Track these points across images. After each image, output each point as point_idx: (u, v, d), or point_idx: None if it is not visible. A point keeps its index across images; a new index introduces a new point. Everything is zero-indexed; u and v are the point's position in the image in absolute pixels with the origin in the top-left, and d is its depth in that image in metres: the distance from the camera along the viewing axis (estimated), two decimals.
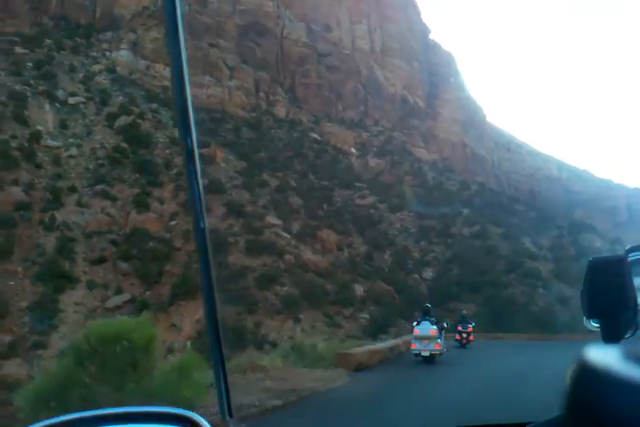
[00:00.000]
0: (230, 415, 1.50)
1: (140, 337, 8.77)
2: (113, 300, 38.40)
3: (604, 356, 0.63)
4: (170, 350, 34.00)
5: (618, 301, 1.86)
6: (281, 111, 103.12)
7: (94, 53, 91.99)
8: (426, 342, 19.36)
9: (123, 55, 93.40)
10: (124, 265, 41.74)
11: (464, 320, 30.02)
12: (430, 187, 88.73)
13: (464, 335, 29.14)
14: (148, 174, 54.03)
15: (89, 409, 1.55)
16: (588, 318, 2.09)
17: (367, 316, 42.67)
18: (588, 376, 0.61)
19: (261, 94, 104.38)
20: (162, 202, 50.59)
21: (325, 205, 65.53)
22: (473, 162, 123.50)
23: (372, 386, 14.39)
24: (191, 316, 37.07)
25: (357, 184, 78.54)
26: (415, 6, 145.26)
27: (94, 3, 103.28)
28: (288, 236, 47.06)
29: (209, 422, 1.43)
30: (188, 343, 27.93)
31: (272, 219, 48.16)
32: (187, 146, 1.32)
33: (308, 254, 46.11)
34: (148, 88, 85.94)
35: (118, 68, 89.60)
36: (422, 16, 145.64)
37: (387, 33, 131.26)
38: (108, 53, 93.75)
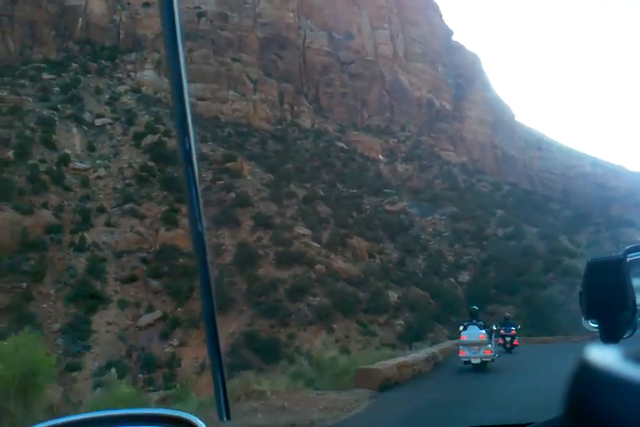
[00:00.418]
0: (228, 418, 1.50)
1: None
2: (144, 318, 38.40)
3: (604, 356, 0.63)
4: (202, 366, 33.68)
5: (616, 301, 1.80)
6: (306, 122, 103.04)
7: (119, 75, 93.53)
8: (475, 348, 17.92)
9: (147, 75, 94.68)
10: (154, 283, 41.78)
11: (507, 323, 28.42)
12: (461, 189, 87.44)
13: (507, 339, 27.35)
14: (176, 191, 54.18)
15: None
16: (587, 318, 1.97)
17: (402, 322, 41.78)
18: (588, 376, 0.61)
19: (286, 106, 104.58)
20: None
21: (355, 213, 64.93)
22: (504, 162, 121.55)
23: (400, 411, 11.02)
24: (225, 330, 36.75)
25: (386, 190, 77.74)
26: (436, 8, 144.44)
27: (118, 25, 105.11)
28: (318, 245, 46.56)
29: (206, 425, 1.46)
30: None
31: (301, 229, 47.77)
32: (184, 147, 1.32)
33: (339, 263, 45.51)
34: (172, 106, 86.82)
35: (143, 88, 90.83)
36: (444, 18, 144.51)
37: (409, 37, 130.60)
38: (132, 74, 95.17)
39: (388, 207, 71.25)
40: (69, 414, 1.56)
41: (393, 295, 45.91)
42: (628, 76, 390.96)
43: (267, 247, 44.74)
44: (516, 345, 27.23)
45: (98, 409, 2.10)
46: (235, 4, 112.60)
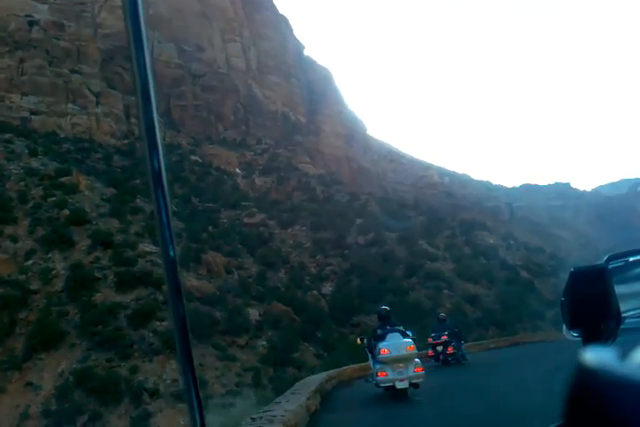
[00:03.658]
0: None
1: None
2: None
3: (603, 357, 0.62)
4: (24, 417, 27.76)
5: (600, 310, 1.81)
6: None
7: None
8: (401, 366, 12.59)
9: None
10: None
11: (440, 327, 22.77)
12: (320, 200, 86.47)
13: (438, 349, 22.02)
14: None
15: None
16: (570, 328, 2.03)
17: (265, 343, 38.16)
18: (587, 377, 0.60)
19: (133, 119, 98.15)
20: (15, 240, 43.72)
21: (210, 227, 60.72)
22: (359, 174, 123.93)
23: None
24: (53, 370, 30.95)
25: (244, 203, 74.42)
26: (287, 23, 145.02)
27: None
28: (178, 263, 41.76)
29: None
30: None
31: (146, 246, 42.70)
32: (153, 168, 1.30)
33: (191, 281, 41.06)
34: (1, 120, 77.64)
35: None
36: (295, 33, 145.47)
37: (261, 50, 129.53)
38: None
39: (246, 220, 67.86)
40: None
41: (254, 313, 42.23)
42: (469, 91, 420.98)
43: (105, 268, 39.23)
44: (450, 353, 21.87)
45: None
46: (71, 12, 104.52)
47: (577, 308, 1.89)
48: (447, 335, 22.04)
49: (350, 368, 21.95)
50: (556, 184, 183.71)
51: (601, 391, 0.57)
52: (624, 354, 0.63)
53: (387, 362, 12.74)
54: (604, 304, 1.82)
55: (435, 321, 24.23)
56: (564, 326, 2.12)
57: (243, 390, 28.45)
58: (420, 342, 22.70)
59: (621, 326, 1.93)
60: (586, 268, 1.93)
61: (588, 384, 0.59)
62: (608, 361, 0.60)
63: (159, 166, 1.28)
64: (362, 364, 20.31)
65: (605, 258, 2.32)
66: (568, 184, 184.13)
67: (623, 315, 2.04)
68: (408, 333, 13.73)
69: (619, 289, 1.97)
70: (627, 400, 0.55)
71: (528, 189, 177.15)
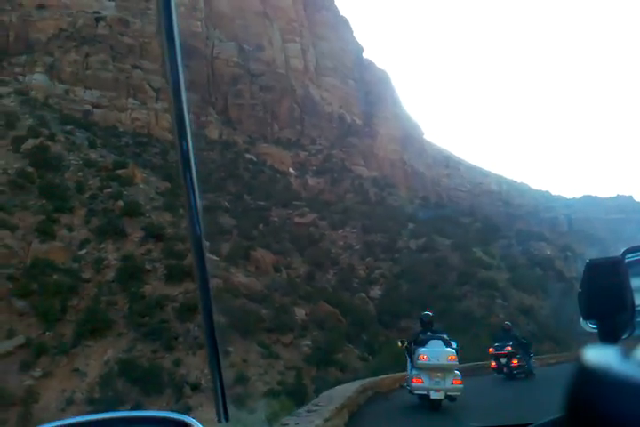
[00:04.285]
0: (227, 420, 1.53)
1: None
2: (2, 345, 32.02)
3: (604, 356, 0.62)
4: (69, 402, 27.96)
5: (615, 302, 1.84)
6: (213, 133, 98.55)
7: (5, 78, 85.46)
8: (439, 375, 11.81)
9: (37, 78, 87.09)
10: (20, 303, 35.45)
11: (504, 337, 20.78)
12: (373, 203, 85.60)
13: (502, 361, 19.91)
14: (57, 200, 47.93)
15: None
16: (585, 319, 2.06)
17: (309, 342, 37.53)
18: (588, 377, 0.60)
19: (191, 116, 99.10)
20: (70, 229, 44.55)
21: (261, 225, 60.64)
22: (413, 179, 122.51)
23: None
24: (99, 357, 31.20)
25: (296, 202, 74.17)
26: (347, 25, 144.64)
27: (6, 27, 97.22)
28: (216, 258, 41.71)
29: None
30: None
31: None
32: (181, 148, 1.35)
33: (239, 277, 40.86)
34: (65, 112, 79.85)
35: (32, 92, 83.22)
36: (355, 34, 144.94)
37: (320, 52, 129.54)
38: (21, 77, 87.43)
39: (297, 219, 67.49)
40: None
41: (300, 312, 41.71)
42: (533, 99, 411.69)
43: (156, 261, 39.45)
44: (515, 366, 19.74)
45: None
46: (137, 9, 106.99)
47: (592, 299, 1.91)
48: (512, 346, 20.06)
49: (391, 378, 18.98)
50: (618, 197, 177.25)
51: (601, 391, 0.57)
52: (626, 353, 0.63)
53: (424, 369, 12.05)
54: (618, 296, 1.82)
55: (499, 331, 22.23)
56: (581, 319, 2.12)
57: (261, 400, 27.63)
58: (469, 352, 21.26)
59: (637, 319, 1.95)
60: (601, 260, 1.94)
61: (589, 383, 0.59)
62: (609, 360, 0.60)
63: (188, 150, 1.32)
64: (405, 372, 18.92)
65: (622, 251, 2.33)
66: (631, 197, 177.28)
67: (638, 308, 2.03)
68: (453, 342, 12.96)
69: (635, 282, 1.96)
70: (627, 400, 0.54)
71: (588, 200, 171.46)
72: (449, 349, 12.27)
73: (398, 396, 15.09)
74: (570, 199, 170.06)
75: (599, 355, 0.62)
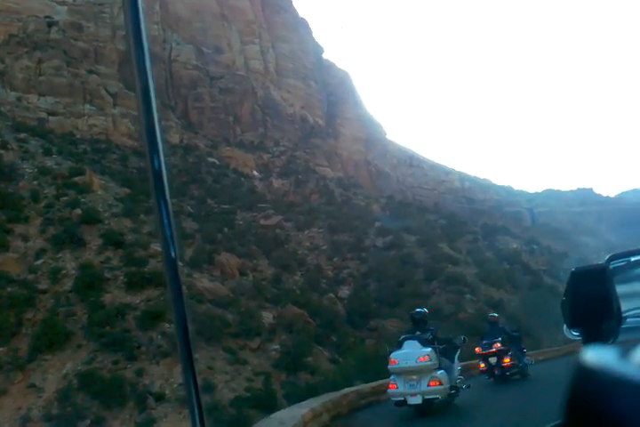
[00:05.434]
0: None
1: None
2: None
3: (603, 356, 0.62)
4: (25, 420, 26.57)
5: (601, 309, 1.84)
6: (174, 137, 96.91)
7: None
8: (414, 378, 11.09)
9: None
10: None
11: (492, 331, 17.76)
12: (339, 203, 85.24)
13: (491, 360, 16.84)
14: (10, 209, 46.14)
15: None
16: (570, 327, 2.05)
17: (278, 346, 36.64)
18: (587, 377, 0.60)
19: (161, 128, 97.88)
20: (26, 239, 42.87)
21: (226, 229, 59.56)
22: (378, 179, 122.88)
23: None
24: (57, 371, 29.81)
25: (261, 205, 73.29)
26: (307, 26, 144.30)
27: None
28: (180, 263, 40.51)
29: None
30: None
31: (158, 246, 41.55)
32: (153, 168, 1.32)
33: (203, 282, 39.79)
34: (18, 120, 77.44)
35: None
36: (314, 35, 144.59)
37: (280, 53, 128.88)
38: None
39: (262, 222, 66.61)
40: None
41: (267, 316, 40.79)
42: (491, 96, 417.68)
43: (116, 269, 38.12)
44: (506, 366, 16.74)
45: None
46: (90, 13, 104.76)
47: (577, 307, 1.88)
48: (501, 342, 17.14)
49: (355, 392, 14.61)
50: (579, 190, 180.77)
51: (600, 391, 0.57)
52: (624, 354, 0.62)
53: (398, 373, 11.44)
54: (604, 304, 1.81)
55: (486, 325, 19.00)
56: (565, 326, 2.09)
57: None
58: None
59: (622, 326, 1.93)
60: (587, 267, 1.96)
61: (588, 384, 0.59)
62: (608, 361, 0.60)
63: (160, 166, 1.28)
64: (379, 381, 15.36)
65: (607, 258, 2.32)
66: (591, 190, 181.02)
67: (624, 314, 2.03)
68: (455, 341, 12.57)
69: (620, 289, 1.95)
70: (626, 400, 0.54)
71: (550, 194, 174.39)
72: (424, 349, 11.41)
73: (364, 418, 12.57)
74: (532, 193, 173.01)
75: (598, 355, 0.62)
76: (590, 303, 1.85)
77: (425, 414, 11.13)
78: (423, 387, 11.09)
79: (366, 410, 13.13)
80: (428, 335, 11.85)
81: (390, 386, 11.53)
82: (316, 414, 10.90)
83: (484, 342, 17.47)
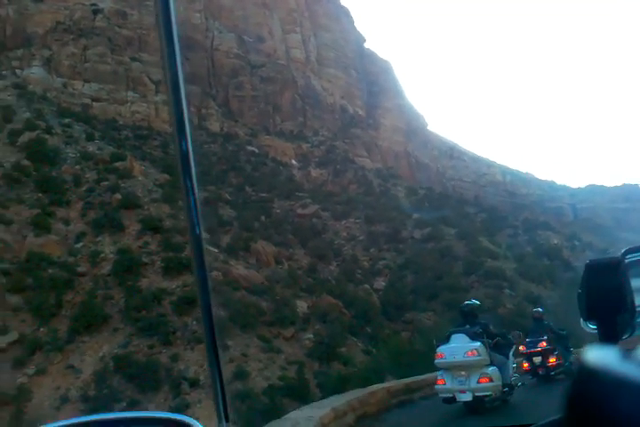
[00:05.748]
0: (227, 420, 1.56)
1: None
2: None
3: (604, 356, 0.62)
4: (63, 400, 27.03)
5: (615, 303, 1.85)
6: (214, 125, 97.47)
7: (3, 72, 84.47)
8: (462, 374, 10.45)
9: (35, 72, 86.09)
10: (13, 298, 34.52)
11: (537, 328, 16.53)
12: (377, 194, 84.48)
13: (535, 360, 15.68)
14: (53, 193, 47.01)
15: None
16: (585, 320, 2.05)
17: (312, 336, 36.49)
18: (588, 377, 0.60)
19: (192, 109, 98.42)
20: (67, 223, 43.62)
21: (263, 217, 59.57)
22: (417, 170, 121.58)
23: None
24: (94, 353, 30.26)
25: (298, 194, 73.10)
26: (348, 15, 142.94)
27: (3, 21, 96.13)
28: (216, 250, 40.71)
29: None
30: None
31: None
32: (181, 151, 1.37)
33: (239, 269, 39.85)
34: (63, 106, 78.78)
35: (30, 86, 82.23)
36: (356, 24, 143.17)
37: (321, 42, 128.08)
38: (18, 71, 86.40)
39: (299, 211, 66.41)
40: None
41: (302, 305, 40.68)
42: (536, 88, 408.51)
43: (153, 254, 38.45)
44: (552, 366, 15.54)
45: None
46: (134, 1, 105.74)
47: (592, 300, 1.88)
48: (547, 341, 15.94)
49: (385, 389, 13.08)
50: (624, 186, 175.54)
51: (601, 391, 0.57)
52: (626, 353, 0.62)
53: (446, 369, 10.76)
54: (618, 297, 1.82)
55: (531, 322, 17.76)
56: (581, 319, 2.10)
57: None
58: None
59: (637, 320, 1.94)
60: (601, 260, 1.94)
61: (589, 383, 0.59)
62: (610, 360, 0.60)
63: (187, 149, 1.32)
64: (413, 378, 14.47)
65: (623, 251, 2.30)
66: (637, 186, 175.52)
67: (638, 308, 2.03)
68: (509, 336, 11.75)
69: (635, 283, 1.95)
70: (627, 400, 0.54)
71: (594, 189, 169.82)
72: (472, 343, 10.61)
73: (393, 420, 11.44)
74: (575, 189, 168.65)
75: (599, 355, 0.62)
76: (604, 296, 1.83)
77: (474, 413, 10.36)
78: (473, 384, 10.41)
79: (398, 410, 12.07)
80: (478, 329, 11.00)
81: (438, 381, 10.86)
82: (338, 415, 9.63)
83: (528, 340, 16.32)
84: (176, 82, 1.30)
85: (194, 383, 27.35)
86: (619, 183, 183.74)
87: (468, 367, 10.52)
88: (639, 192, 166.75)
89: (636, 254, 2.38)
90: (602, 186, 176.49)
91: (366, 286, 49.33)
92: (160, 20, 1.24)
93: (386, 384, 14.22)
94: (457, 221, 64.52)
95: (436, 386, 10.96)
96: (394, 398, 12.74)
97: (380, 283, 51.82)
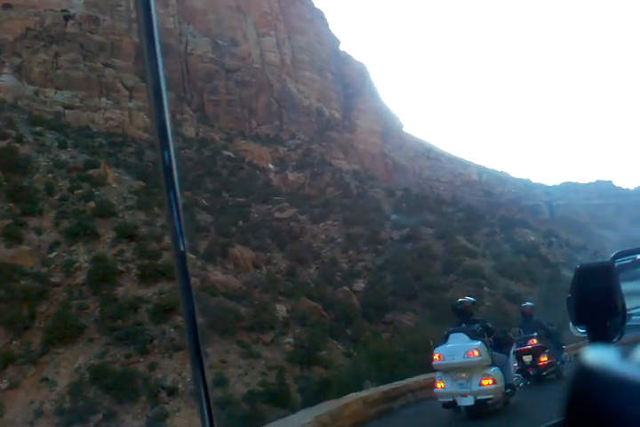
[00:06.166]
0: None
1: None
2: None
3: (603, 356, 0.62)
4: (38, 414, 26.42)
5: (606, 307, 1.85)
6: (190, 130, 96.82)
7: None
8: (463, 376, 9.75)
9: (5, 80, 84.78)
10: None
11: (527, 325, 15.07)
12: (354, 196, 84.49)
13: (526, 359, 14.37)
14: (24, 202, 46.14)
15: None
16: (575, 324, 2.05)
17: (292, 340, 36.21)
18: (587, 377, 0.60)
19: (171, 125, 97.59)
20: (40, 232, 42.82)
21: (240, 222, 59.19)
22: (394, 171, 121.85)
23: None
24: (69, 365, 29.65)
25: (276, 198, 72.81)
26: (323, 17, 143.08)
27: None
28: (193, 256, 40.24)
29: None
30: None
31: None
32: (164, 162, 1.35)
33: (217, 275, 39.46)
34: (35, 114, 77.57)
35: (0, 94, 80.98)
36: (330, 27, 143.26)
37: (296, 45, 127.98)
38: None
39: (277, 215, 66.13)
40: None
41: (281, 309, 40.36)
42: (510, 88, 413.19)
43: (129, 262, 37.89)
44: (542, 365, 14.48)
45: None
46: (106, 6, 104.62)
47: (582, 304, 1.88)
48: (537, 338, 14.81)
49: (362, 399, 11.52)
50: (598, 182, 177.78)
51: (600, 391, 0.57)
52: (625, 353, 0.62)
53: (445, 371, 10.00)
54: (609, 301, 1.82)
55: (516, 318, 16.49)
56: (571, 323, 2.09)
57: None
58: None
59: (627, 324, 1.94)
60: (592, 264, 1.94)
61: (588, 383, 0.59)
62: (608, 360, 0.60)
63: (170, 160, 1.31)
64: (392, 385, 13.58)
65: (612, 255, 2.32)
66: (610, 182, 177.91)
67: (629, 312, 2.05)
68: (509, 334, 11.27)
69: (625, 286, 1.94)
70: (626, 400, 0.54)
71: (568, 187, 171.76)
72: (472, 343, 9.86)
73: None
74: (550, 186, 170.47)
75: (599, 355, 0.61)
76: (595, 301, 1.82)
77: (477, 417, 9.61)
78: (474, 386, 9.64)
79: (376, 422, 10.96)
80: (477, 327, 10.25)
81: (436, 384, 10.06)
82: None
83: (517, 337, 14.33)
84: (159, 90, 1.26)
85: (172, 392, 26.93)
86: (592, 180, 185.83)
87: (468, 369, 9.82)
88: (613, 189, 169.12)
89: (625, 258, 2.40)
90: (576, 183, 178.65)
91: (346, 287, 49.21)
92: (141, 24, 1.21)
93: (362, 393, 12.73)
94: (435, 221, 64.78)
95: (434, 390, 10.20)
96: (372, 408, 11.49)
97: (360, 284, 51.75)
